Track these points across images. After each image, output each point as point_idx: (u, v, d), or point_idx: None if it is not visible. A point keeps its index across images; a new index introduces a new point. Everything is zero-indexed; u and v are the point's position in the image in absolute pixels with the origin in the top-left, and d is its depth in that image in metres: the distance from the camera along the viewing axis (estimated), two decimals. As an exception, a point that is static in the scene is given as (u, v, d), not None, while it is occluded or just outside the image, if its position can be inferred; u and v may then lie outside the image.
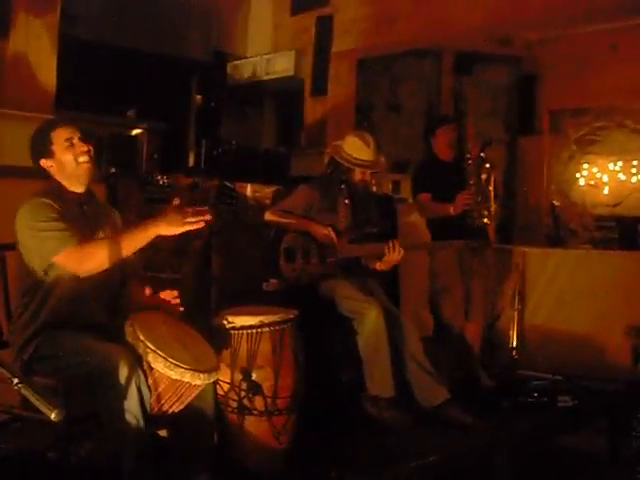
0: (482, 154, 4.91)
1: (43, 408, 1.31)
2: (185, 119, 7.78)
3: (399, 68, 7.87)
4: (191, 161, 7.33)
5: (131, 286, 3.29)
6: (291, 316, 3.42)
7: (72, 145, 3.05)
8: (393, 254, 4.17)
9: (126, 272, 3.24)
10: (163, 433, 3.17)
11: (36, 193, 3.03)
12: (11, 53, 5.20)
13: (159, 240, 2.92)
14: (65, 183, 3.09)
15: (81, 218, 3.08)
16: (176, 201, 2.91)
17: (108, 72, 7.17)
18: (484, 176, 4.89)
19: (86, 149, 3.07)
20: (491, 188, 4.91)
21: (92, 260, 2.89)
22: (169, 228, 2.87)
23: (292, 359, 3.41)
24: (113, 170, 5.18)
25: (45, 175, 3.11)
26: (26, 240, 2.98)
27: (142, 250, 2.97)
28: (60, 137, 3.05)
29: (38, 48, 5.28)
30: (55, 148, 3.04)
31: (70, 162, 3.04)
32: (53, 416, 1.33)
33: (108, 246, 2.89)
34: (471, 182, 4.88)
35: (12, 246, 3.11)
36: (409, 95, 7.84)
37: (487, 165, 4.92)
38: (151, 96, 7.38)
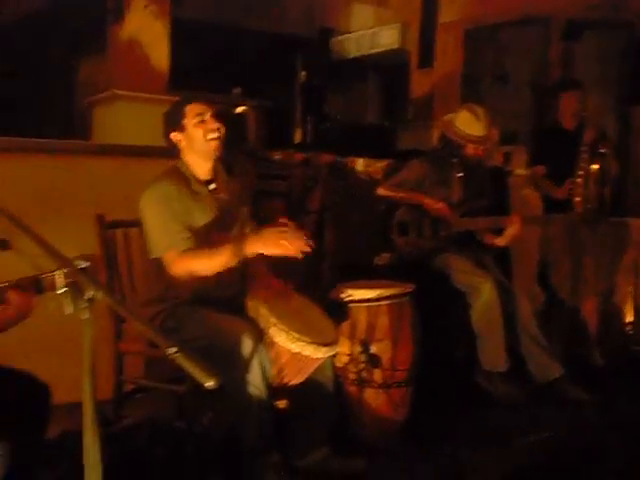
0: (601, 149, 4.71)
1: (199, 376, 1.36)
2: (290, 96, 7.83)
3: (505, 38, 7.67)
4: (297, 138, 7.38)
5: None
6: (409, 290, 3.43)
7: (203, 121, 3.08)
8: (513, 228, 4.13)
9: None
10: (282, 405, 3.23)
11: (162, 176, 3.09)
12: (126, 37, 5.35)
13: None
14: (191, 161, 3.14)
15: (202, 201, 3.11)
16: (279, 222, 2.92)
17: (215, 52, 7.28)
18: (595, 166, 4.71)
19: (216, 127, 3.10)
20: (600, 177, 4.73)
21: (189, 269, 2.94)
22: (263, 247, 2.87)
23: (410, 332, 3.43)
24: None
25: (173, 152, 3.18)
26: (145, 225, 3.05)
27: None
28: (193, 111, 3.08)
29: (151, 32, 5.42)
30: (186, 122, 3.08)
31: (199, 138, 3.08)
32: (210, 384, 1.38)
33: (206, 259, 2.93)
34: (580, 172, 4.70)
35: (135, 223, 3.23)
36: (516, 65, 7.66)
37: (601, 154, 4.73)
38: (257, 74, 7.46)
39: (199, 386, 2.89)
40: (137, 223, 3.22)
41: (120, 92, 5.17)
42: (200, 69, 7.11)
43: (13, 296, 1.98)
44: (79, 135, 5.50)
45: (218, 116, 3.13)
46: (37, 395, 2.19)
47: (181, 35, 6.15)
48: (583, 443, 3.74)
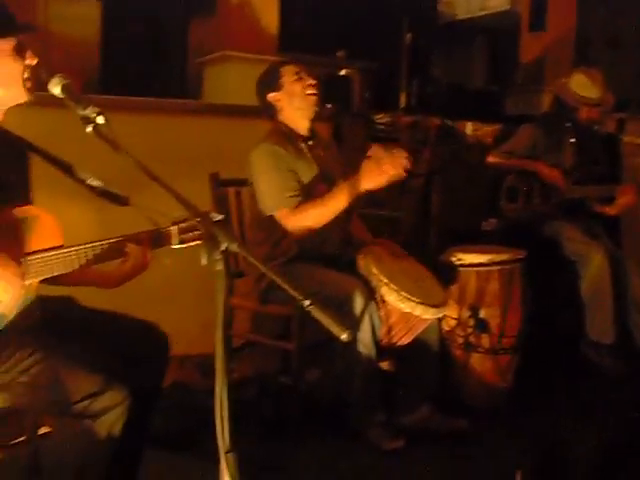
0: None
1: (334, 328, 1.39)
2: (395, 58, 7.74)
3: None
4: (402, 100, 7.31)
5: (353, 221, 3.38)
6: (520, 256, 3.39)
7: (300, 78, 3.18)
8: (627, 197, 4.02)
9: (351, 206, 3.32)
10: (386, 365, 3.26)
11: (266, 137, 3.17)
12: (240, -1, 5.40)
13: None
14: (291, 119, 3.21)
15: (304, 158, 3.17)
16: (371, 151, 2.92)
17: (322, 13, 7.26)
18: None
19: (314, 82, 3.19)
20: None
21: (304, 222, 3.00)
22: (369, 182, 2.89)
23: (520, 299, 3.40)
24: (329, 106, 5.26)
25: (270, 114, 3.25)
26: (256, 184, 3.13)
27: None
28: (289, 71, 3.19)
29: (261, -7, 5.45)
30: (284, 80, 3.18)
31: (298, 93, 3.16)
32: (344, 336, 1.41)
33: (319, 207, 2.98)
34: None
35: (246, 182, 3.29)
36: (630, 29, 7.36)
37: None
38: (362, 36, 7.41)
39: (308, 343, 3.00)
40: (248, 182, 3.29)
41: (231, 53, 5.24)
42: (306, 30, 7.11)
43: (131, 249, 2.06)
44: (191, 95, 5.60)
45: (312, 74, 3.21)
46: (158, 344, 2.26)
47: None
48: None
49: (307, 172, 3.13)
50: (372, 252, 3.05)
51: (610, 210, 4.14)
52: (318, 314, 1.41)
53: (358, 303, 2.84)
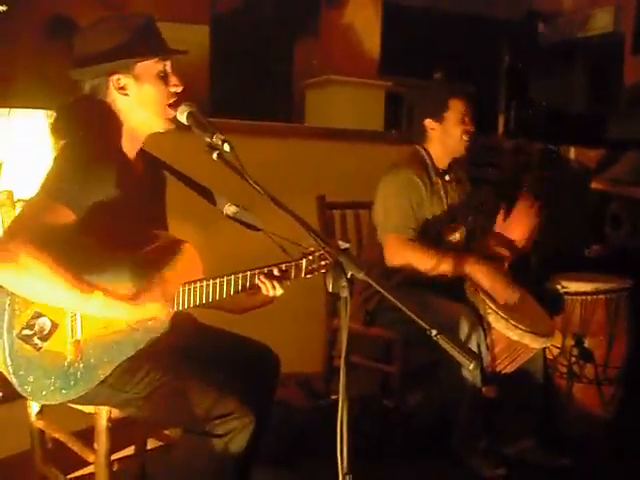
0: None
1: (461, 358, 1.43)
2: (494, 81, 7.71)
3: None
4: (501, 123, 7.28)
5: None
6: (627, 285, 3.34)
7: (464, 122, 3.14)
8: None
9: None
10: (490, 392, 3.25)
11: (405, 162, 3.17)
12: (341, 22, 5.49)
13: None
14: (436, 152, 3.21)
15: (437, 192, 3.19)
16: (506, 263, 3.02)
17: (421, 36, 7.30)
18: None
19: (473, 130, 3.16)
20: None
21: (408, 259, 3.02)
22: (481, 279, 2.98)
23: (626, 328, 3.35)
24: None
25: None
26: (382, 203, 3.16)
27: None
28: (457, 107, 3.14)
29: (365, 17, 5.53)
30: (449, 115, 3.13)
31: (456, 136, 3.14)
32: (472, 366, 1.45)
33: (430, 258, 3.00)
34: None
35: (351, 205, 3.36)
36: None
37: None
38: (461, 58, 7.40)
39: (410, 367, 3.02)
40: (353, 205, 3.35)
41: (334, 77, 5.33)
42: (406, 54, 7.15)
43: (262, 282, 2.11)
44: (294, 118, 5.73)
45: (474, 118, 3.18)
46: (272, 365, 2.33)
47: (390, 20, 6.23)
48: None
49: (436, 207, 3.16)
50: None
51: None
52: (445, 344, 1.46)
53: (465, 330, 2.86)
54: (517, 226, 3.21)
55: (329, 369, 3.44)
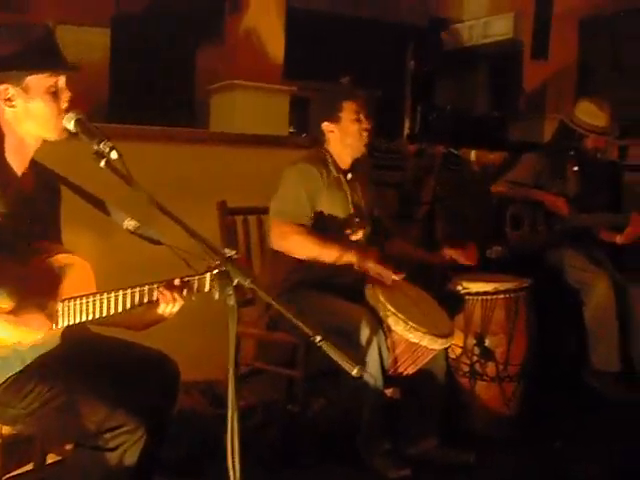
0: None
1: (345, 364, 1.42)
2: (400, 85, 7.81)
3: (622, 26, 7.44)
4: (406, 127, 7.37)
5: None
6: (525, 284, 3.42)
7: (359, 120, 3.20)
8: (636, 226, 4.04)
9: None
10: (391, 393, 3.27)
11: (307, 158, 3.24)
12: (244, 27, 5.47)
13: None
14: (337, 152, 3.26)
15: (337, 189, 3.22)
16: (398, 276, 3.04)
17: (327, 41, 7.33)
18: None
19: (370, 127, 3.23)
20: None
21: (295, 247, 3.06)
22: (360, 263, 3.02)
23: (525, 327, 3.43)
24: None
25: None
26: (278, 191, 3.18)
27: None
28: (350, 108, 3.20)
29: (268, 22, 5.52)
30: (343, 115, 3.21)
31: (354, 134, 3.20)
32: (355, 372, 1.44)
33: (320, 246, 3.04)
34: None
35: (254, 210, 3.34)
36: (634, 55, 7.41)
37: None
38: (367, 63, 7.47)
39: (314, 371, 3.02)
40: (255, 210, 3.33)
41: (238, 82, 5.31)
42: (311, 58, 7.17)
43: (162, 295, 2.01)
44: (197, 123, 5.67)
45: (370, 116, 3.24)
46: (170, 374, 2.27)
47: (294, 24, 6.24)
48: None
49: (337, 203, 3.19)
50: (380, 282, 3.07)
51: (619, 239, 4.15)
52: (329, 350, 1.45)
53: (365, 333, 2.87)
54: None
55: (234, 376, 3.39)
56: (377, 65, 7.72)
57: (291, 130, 5.81)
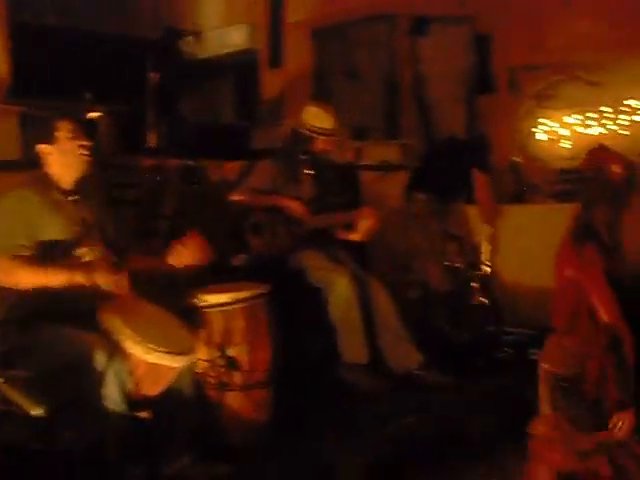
0: None
1: (24, 404, 1.34)
2: (143, 99, 7.67)
3: (354, 35, 7.82)
4: (152, 142, 7.25)
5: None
6: (263, 291, 3.47)
7: (75, 137, 3.12)
8: (367, 221, 4.22)
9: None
10: (145, 415, 3.20)
11: (25, 183, 3.13)
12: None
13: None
14: (58, 172, 3.15)
15: (62, 211, 3.11)
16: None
17: (63, 56, 7.05)
18: None
19: (88, 144, 3.15)
20: None
21: (15, 276, 2.93)
22: (88, 278, 2.94)
23: (267, 333, 3.47)
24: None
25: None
26: None
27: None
28: (65, 127, 3.12)
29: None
30: (59, 135, 3.11)
31: (72, 152, 3.12)
32: (37, 412, 1.36)
33: (41, 271, 2.93)
34: None
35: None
36: (366, 61, 7.82)
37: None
38: (107, 78, 7.27)
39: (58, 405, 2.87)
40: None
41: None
42: (46, 75, 6.86)
43: None
44: None
45: (89, 134, 3.19)
46: None
47: (26, 41, 5.94)
48: (445, 428, 3.90)
49: (63, 226, 3.07)
50: (114, 304, 2.98)
51: (354, 236, 4.33)
52: (9, 391, 1.36)
53: (101, 360, 2.78)
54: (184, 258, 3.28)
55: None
56: (119, 79, 7.54)
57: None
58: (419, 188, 5.31)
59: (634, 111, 6.97)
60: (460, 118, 7.77)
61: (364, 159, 6.05)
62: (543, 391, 3.02)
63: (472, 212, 5.67)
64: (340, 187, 4.54)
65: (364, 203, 5.04)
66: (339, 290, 4.06)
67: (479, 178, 5.21)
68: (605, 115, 7.15)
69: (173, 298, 3.47)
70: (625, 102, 6.94)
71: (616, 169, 2.87)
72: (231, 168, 4.93)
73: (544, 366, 3.01)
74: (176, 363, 2.91)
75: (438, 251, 5.16)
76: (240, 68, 7.93)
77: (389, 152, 6.41)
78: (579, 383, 2.87)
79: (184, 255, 3.29)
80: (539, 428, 3.01)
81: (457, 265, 5.32)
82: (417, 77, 7.81)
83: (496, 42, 7.53)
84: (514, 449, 3.79)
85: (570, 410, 2.91)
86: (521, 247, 5.76)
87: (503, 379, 4.42)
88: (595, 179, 2.92)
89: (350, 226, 4.34)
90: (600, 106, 7.14)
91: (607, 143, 6.68)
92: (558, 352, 2.98)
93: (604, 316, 2.89)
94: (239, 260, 4.24)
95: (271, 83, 7.24)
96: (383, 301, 4.23)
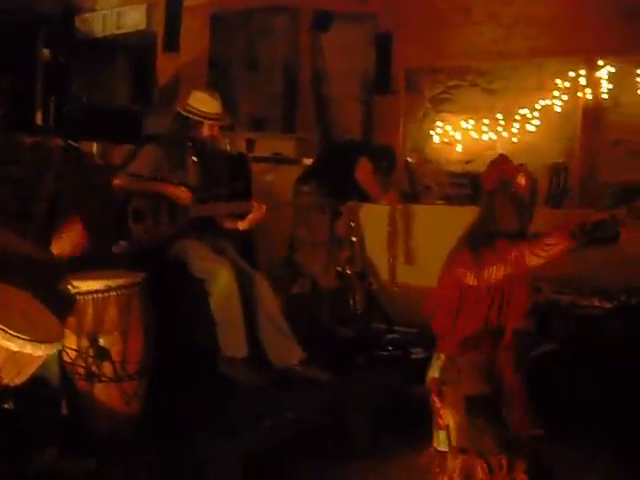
0: None
1: None
2: (32, 75, 7.37)
3: (256, 24, 7.77)
4: (39, 119, 6.98)
5: None
6: (138, 279, 3.38)
7: None
8: (256, 212, 4.18)
9: None
10: (7, 406, 3.06)
11: None
12: None
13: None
14: None
15: None
16: None
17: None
18: None
19: None
20: None
21: None
22: None
23: (140, 323, 3.39)
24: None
25: None
26: None
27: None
28: None
29: None
30: None
31: None
32: None
33: None
34: None
35: None
36: (267, 52, 7.78)
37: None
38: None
39: None
40: None
41: None
42: None
43: None
44: None
45: None
46: None
47: None
48: (325, 423, 3.90)
49: None
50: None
51: (241, 225, 4.27)
52: None
53: (-45, 348, 2.63)
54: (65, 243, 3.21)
55: None
56: (7, 53, 7.21)
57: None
58: (309, 183, 5.29)
59: (526, 120, 7.21)
60: (357, 117, 7.85)
61: (257, 150, 6.00)
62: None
63: (365, 210, 5.73)
64: (228, 176, 4.47)
65: (254, 194, 5.02)
66: (220, 282, 3.99)
67: (363, 161, 5.28)
68: (499, 122, 7.37)
69: (45, 283, 3.34)
70: (520, 111, 7.16)
71: (521, 181, 2.86)
72: (120, 152, 4.79)
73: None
74: (39, 351, 2.77)
75: (325, 247, 5.16)
76: (137, 50, 7.74)
77: (283, 145, 6.40)
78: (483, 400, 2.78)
79: (65, 244, 3.21)
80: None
81: (348, 272, 5.35)
82: (317, 72, 7.84)
83: (397, 43, 7.62)
84: (394, 444, 3.90)
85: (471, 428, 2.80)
86: (409, 246, 5.85)
87: (384, 377, 4.45)
88: (500, 190, 2.89)
89: (237, 216, 4.28)
90: (494, 113, 7.34)
91: (498, 149, 6.97)
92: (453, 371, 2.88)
93: (510, 321, 2.81)
94: (121, 247, 4.12)
95: (166, 67, 7.09)
96: (266, 295, 4.20)
